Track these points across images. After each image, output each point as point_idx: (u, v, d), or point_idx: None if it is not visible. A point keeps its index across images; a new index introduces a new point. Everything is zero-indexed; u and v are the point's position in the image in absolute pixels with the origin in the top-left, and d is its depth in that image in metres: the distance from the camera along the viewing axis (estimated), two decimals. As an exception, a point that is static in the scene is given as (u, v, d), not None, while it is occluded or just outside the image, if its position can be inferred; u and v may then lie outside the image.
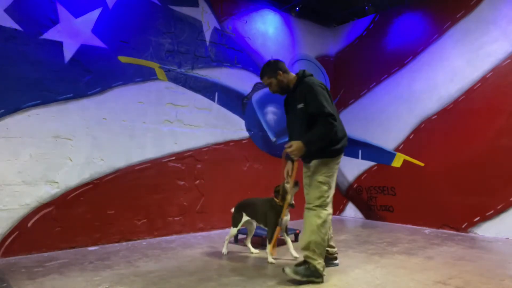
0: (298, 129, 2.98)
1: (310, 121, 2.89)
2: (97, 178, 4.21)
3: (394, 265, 3.41)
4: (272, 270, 3.24)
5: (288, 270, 2.85)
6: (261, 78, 3.22)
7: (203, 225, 5.03)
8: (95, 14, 4.24)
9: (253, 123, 5.63)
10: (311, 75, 3.09)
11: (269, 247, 3.42)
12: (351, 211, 6.36)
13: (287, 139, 6.04)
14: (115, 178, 4.33)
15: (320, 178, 2.95)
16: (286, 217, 3.53)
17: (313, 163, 2.99)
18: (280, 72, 3.09)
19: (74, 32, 4.09)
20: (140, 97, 4.55)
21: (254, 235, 4.21)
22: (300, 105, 2.94)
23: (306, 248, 2.87)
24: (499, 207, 4.72)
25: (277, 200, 3.48)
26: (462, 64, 5.14)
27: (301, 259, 3.03)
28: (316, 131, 2.82)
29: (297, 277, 2.83)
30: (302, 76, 3.04)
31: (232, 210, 3.85)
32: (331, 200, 3.00)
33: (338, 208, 6.47)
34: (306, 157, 3.02)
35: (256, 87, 5.70)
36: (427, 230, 5.19)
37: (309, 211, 2.95)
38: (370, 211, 6.12)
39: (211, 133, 5.16)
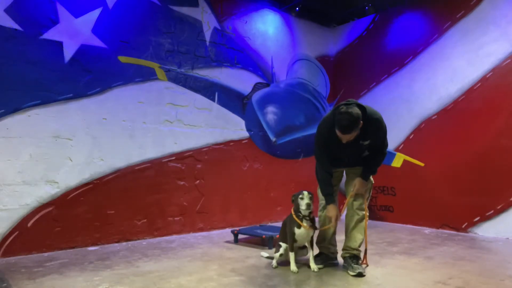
0: (357, 157, 3.17)
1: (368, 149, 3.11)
2: (97, 178, 4.21)
3: (394, 265, 3.41)
4: (272, 270, 3.24)
5: (358, 272, 3.05)
6: (346, 133, 2.79)
7: (203, 225, 5.03)
8: (95, 14, 4.24)
9: (253, 123, 5.63)
10: (365, 107, 2.90)
11: (291, 255, 3.23)
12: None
13: (287, 139, 6.09)
14: (115, 178, 4.33)
15: (373, 180, 3.33)
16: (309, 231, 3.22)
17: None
18: (361, 121, 2.83)
19: (74, 32, 4.09)
20: (140, 97, 4.55)
21: (254, 235, 4.21)
22: (367, 142, 2.99)
23: (360, 245, 3.22)
24: (499, 207, 4.71)
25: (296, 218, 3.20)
26: (462, 64, 5.13)
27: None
28: (376, 166, 3.17)
29: (363, 272, 3.10)
30: (365, 114, 2.86)
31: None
32: None
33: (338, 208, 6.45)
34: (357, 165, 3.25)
35: (256, 87, 5.70)
36: (427, 230, 5.19)
37: (362, 211, 3.25)
38: (370, 211, 6.09)
39: (211, 133, 5.16)
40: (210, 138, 5.15)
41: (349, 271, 3.13)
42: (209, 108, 5.15)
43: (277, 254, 3.33)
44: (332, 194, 3.20)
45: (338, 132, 2.84)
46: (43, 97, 3.90)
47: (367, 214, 3.28)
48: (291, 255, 3.23)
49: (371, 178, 3.29)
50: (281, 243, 3.36)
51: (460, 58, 5.15)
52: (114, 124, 4.35)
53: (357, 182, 3.19)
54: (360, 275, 3.05)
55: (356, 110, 2.77)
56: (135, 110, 4.50)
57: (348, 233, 3.29)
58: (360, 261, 3.23)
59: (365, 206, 3.27)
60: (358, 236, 3.22)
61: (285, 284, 2.87)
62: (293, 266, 3.19)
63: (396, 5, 5.91)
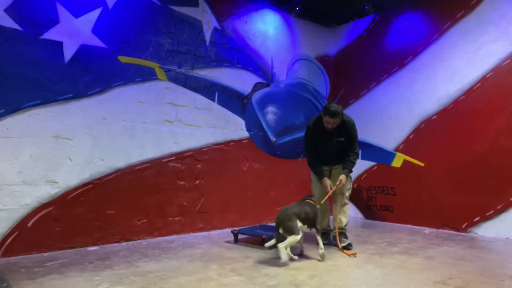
0: (336, 152, 4.05)
1: (342, 146, 4.02)
2: (97, 178, 4.21)
3: (394, 265, 3.41)
4: (273, 270, 3.24)
5: (348, 243, 3.98)
6: (333, 117, 3.76)
7: (203, 225, 5.03)
8: (95, 14, 4.24)
9: (253, 123, 5.63)
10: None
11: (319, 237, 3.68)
12: (351, 211, 6.29)
13: (287, 139, 6.09)
14: (115, 178, 4.33)
15: (351, 176, 4.21)
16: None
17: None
18: (341, 115, 3.87)
19: (74, 32, 4.09)
20: (140, 97, 4.55)
21: (254, 235, 4.22)
22: (342, 139, 3.95)
23: (345, 225, 4.14)
24: (499, 207, 4.71)
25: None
26: (462, 64, 5.13)
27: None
28: (352, 163, 4.02)
29: (351, 244, 4.04)
30: (342, 115, 3.86)
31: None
32: None
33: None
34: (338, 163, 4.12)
35: (256, 87, 5.70)
36: (427, 230, 5.19)
37: (345, 199, 4.15)
38: (370, 211, 6.12)
39: (211, 133, 5.16)
40: (210, 138, 5.15)
41: (340, 245, 3.95)
42: (209, 108, 5.15)
43: (298, 238, 3.39)
44: (323, 171, 4.08)
45: (327, 118, 3.78)
46: (43, 97, 3.90)
47: (348, 201, 4.20)
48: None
49: (350, 175, 4.14)
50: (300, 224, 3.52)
51: (460, 58, 5.15)
52: (114, 124, 4.35)
53: (341, 177, 3.99)
54: (350, 245, 3.98)
55: (339, 106, 3.83)
56: (135, 110, 4.50)
57: (335, 218, 4.14)
58: (348, 241, 4.04)
59: (346, 197, 4.16)
60: (343, 219, 4.14)
61: (285, 284, 2.87)
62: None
63: (396, 5, 5.91)
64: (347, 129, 3.94)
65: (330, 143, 3.99)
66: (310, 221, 3.60)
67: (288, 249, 3.43)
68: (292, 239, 3.36)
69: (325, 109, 3.80)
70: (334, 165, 4.15)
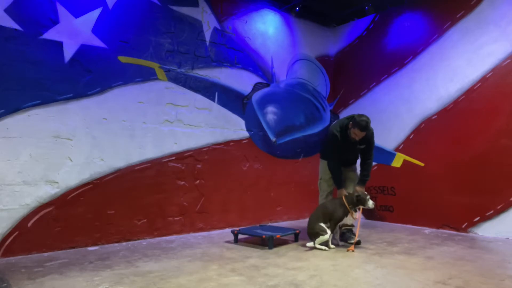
0: (355, 156, 4.42)
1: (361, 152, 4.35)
2: (97, 178, 4.21)
3: (394, 265, 3.41)
4: (273, 270, 3.25)
5: (357, 240, 4.19)
6: (363, 131, 4.00)
7: (203, 225, 5.03)
8: (95, 14, 4.24)
9: (253, 123, 5.63)
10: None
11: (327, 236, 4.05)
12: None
13: (287, 139, 6.10)
14: (115, 178, 4.33)
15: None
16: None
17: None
18: None
19: (74, 32, 4.09)
20: (140, 97, 4.55)
21: (254, 235, 4.22)
22: (363, 146, 4.22)
23: (352, 223, 4.37)
24: (499, 207, 4.71)
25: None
26: (462, 64, 5.14)
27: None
28: (369, 171, 4.33)
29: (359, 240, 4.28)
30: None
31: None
32: None
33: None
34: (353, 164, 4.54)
35: (256, 87, 5.70)
36: (427, 230, 5.19)
37: None
38: (370, 211, 6.11)
39: (211, 133, 5.16)
40: (210, 138, 5.15)
41: (348, 241, 4.24)
42: (209, 108, 5.15)
43: (326, 237, 3.99)
44: (342, 182, 4.31)
45: (357, 131, 3.98)
46: (43, 97, 3.90)
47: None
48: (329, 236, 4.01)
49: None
50: (323, 225, 4.03)
51: (460, 58, 5.15)
52: (114, 124, 4.35)
53: (357, 188, 4.31)
54: (359, 242, 4.18)
55: (369, 120, 4.04)
56: (135, 110, 4.50)
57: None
58: (354, 236, 4.26)
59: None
60: (351, 218, 4.36)
61: (285, 284, 2.87)
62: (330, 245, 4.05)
63: (396, 5, 5.92)
64: (368, 137, 4.17)
65: (351, 150, 4.27)
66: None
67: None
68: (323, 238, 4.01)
69: (355, 122, 3.98)
70: (348, 166, 4.47)
